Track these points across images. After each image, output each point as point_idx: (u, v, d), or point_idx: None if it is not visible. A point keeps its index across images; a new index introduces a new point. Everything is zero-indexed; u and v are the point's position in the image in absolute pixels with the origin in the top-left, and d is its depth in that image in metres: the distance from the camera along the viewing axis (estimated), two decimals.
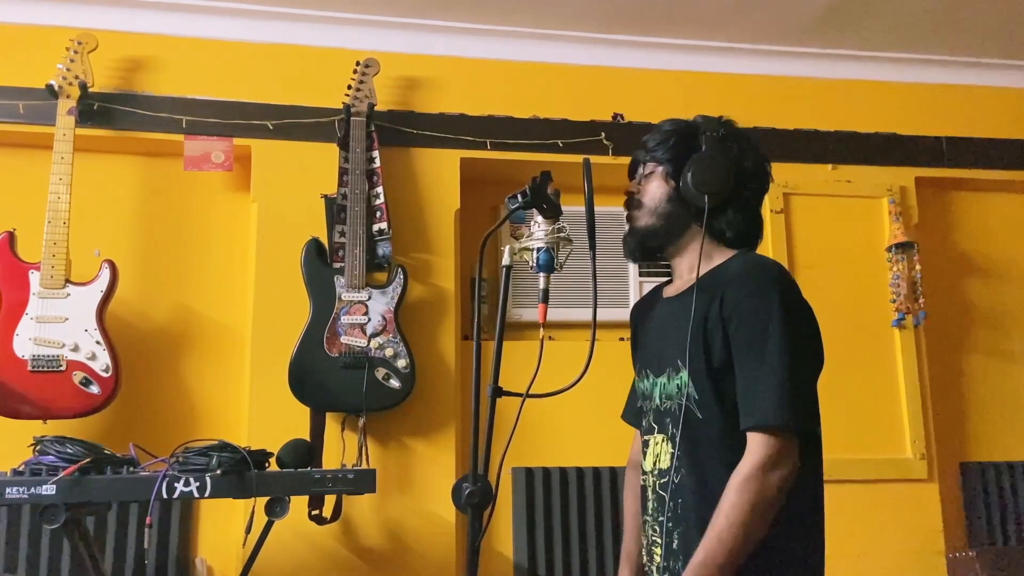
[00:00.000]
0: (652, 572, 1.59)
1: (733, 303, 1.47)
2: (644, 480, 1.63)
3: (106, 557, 2.69)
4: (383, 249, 2.92)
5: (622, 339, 3.19)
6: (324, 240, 2.89)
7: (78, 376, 2.62)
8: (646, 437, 1.64)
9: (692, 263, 1.59)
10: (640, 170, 1.68)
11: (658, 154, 1.63)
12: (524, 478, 3.04)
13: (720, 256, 1.58)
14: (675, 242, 1.64)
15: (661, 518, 1.55)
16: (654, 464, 1.58)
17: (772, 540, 1.39)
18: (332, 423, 2.85)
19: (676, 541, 1.50)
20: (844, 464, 3.08)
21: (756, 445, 1.40)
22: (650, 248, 1.67)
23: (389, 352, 2.81)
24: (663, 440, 1.56)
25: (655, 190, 1.63)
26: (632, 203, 1.67)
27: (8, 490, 2.05)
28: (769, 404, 1.40)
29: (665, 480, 1.54)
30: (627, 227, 1.68)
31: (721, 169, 1.57)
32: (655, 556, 1.57)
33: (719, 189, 1.56)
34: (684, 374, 1.51)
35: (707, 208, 1.56)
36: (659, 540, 1.55)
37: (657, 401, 1.60)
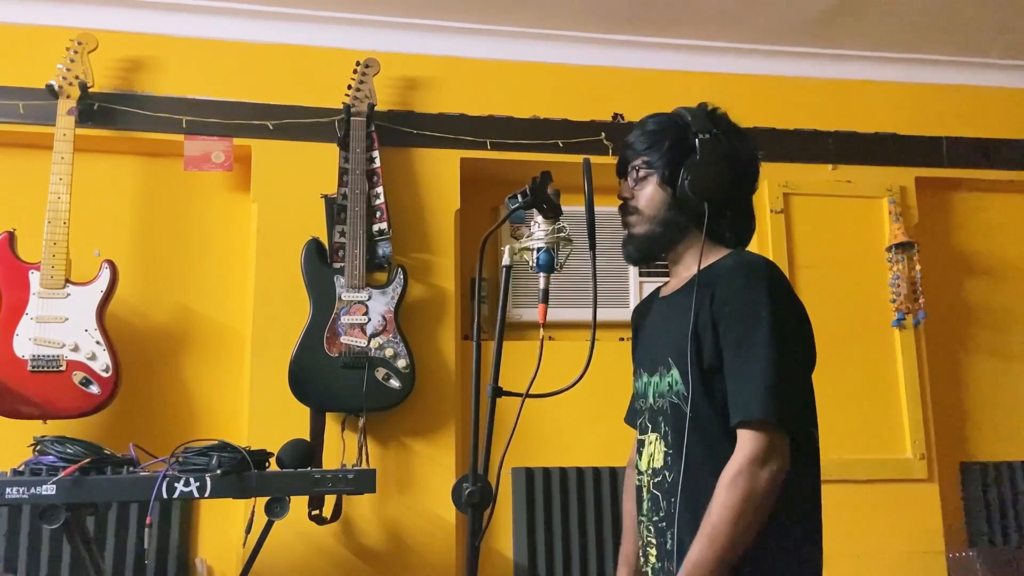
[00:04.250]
0: (648, 574, 1.58)
1: (722, 301, 1.46)
2: (639, 480, 1.62)
3: (106, 557, 2.69)
4: (383, 249, 2.92)
5: (622, 339, 3.19)
6: (324, 240, 2.89)
7: (78, 376, 2.62)
8: (641, 437, 1.63)
9: (689, 263, 1.58)
10: (632, 173, 1.65)
11: (651, 159, 1.61)
12: (524, 478, 3.04)
13: (715, 255, 1.57)
14: (675, 247, 1.63)
15: (655, 518, 1.54)
16: (648, 463, 1.58)
17: (767, 541, 1.38)
18: (332, 423, 2.85)
19: (670, 541, 1.48)
20: (844, 464, 3.08)
21: (744, 441, 1.39)
22: (652, 254, 1.66)
23: (389, 352, 2.81)
24: (657, 439, 1.56)
25: (652, 196, 1.61)
26: (629, 209, 1.65)
27: (8, 490, 2.05)
28: (756, 399, 1.39)
29: (659, 479, 1.54)
30: (625, 233, 1.66)
31: (718, 173, 1.55)
32: (650, 557, 1.57)
33: (718, 194, 1.55)
34: (675, 372, 1.51)
35: (707, 213, 1.54)
36: (653, 540, 1.55)
37: (651, 400, 1.60)
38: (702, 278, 1.52)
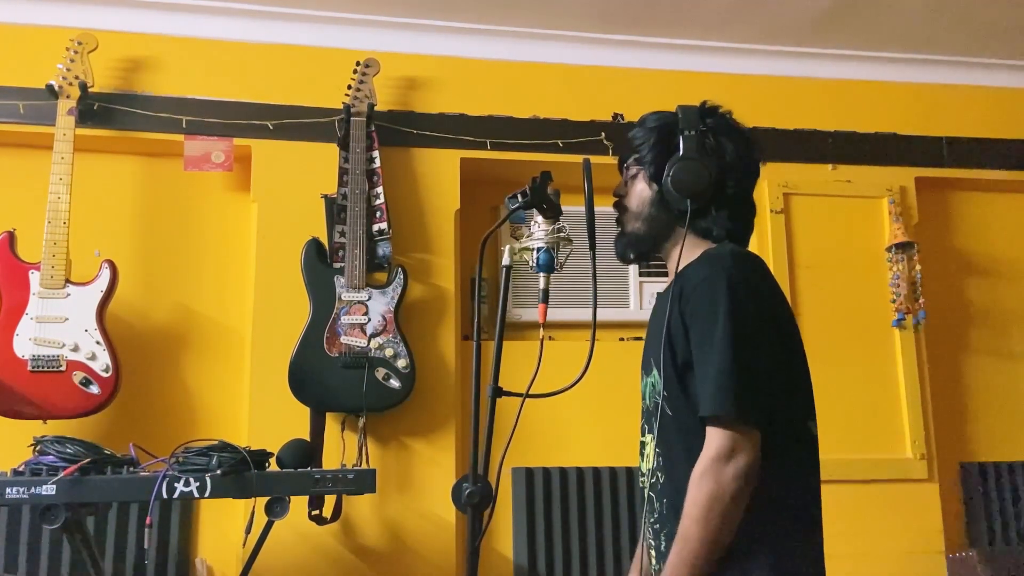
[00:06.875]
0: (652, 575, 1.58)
1: (687, 297, 1.45)
2: (641, 482, 1.61)
3: (106, 557, 2.69)
4: (383, 249, 2.92)
5: (622, 339, 3.20)
6: (324, 240, 2.89)
7: (78, 376, 2.62)
8: (641, 439, 1.63)
9: (677, 261, 1.58)
10: (626, 171, 1.66)
11: (641, 155, 1.61)
12: (524, 478, 3.04)
13: (699, 252, 1.56)
14: (664, 244, 1.62)
15: (651, 519, 1.53)
16: (646, 465, 1.58)
17: (763, 538, 1.37)
18: (332, 423, 2.85)
19: (664, 542, 1.48)
20: (844, 464, 3.08)
21: (710, 438, 1.37)
22: (641, 252, 1.66)
23: (389, 352, 2.81)
24: (651, 440, 1.55)
25: (640, 193, 1.61)
26: (620, 207, 1.65)
27: (8, 490, 2.05)
28: (714, 394, 1.37)
29: (653, 480, 1.53)
30: (618, 229, 1.67)
31: (700, 171, 1.54)
32: (652, 558, 1.56)
33: (699, 191, 1.54)
34: (656, 372, 1.50)
35: (689, 211, 1.53)
36: (652, 542, 1.54)
37: (646, 401, 1.59)
38: (677, 276, 1.52)
